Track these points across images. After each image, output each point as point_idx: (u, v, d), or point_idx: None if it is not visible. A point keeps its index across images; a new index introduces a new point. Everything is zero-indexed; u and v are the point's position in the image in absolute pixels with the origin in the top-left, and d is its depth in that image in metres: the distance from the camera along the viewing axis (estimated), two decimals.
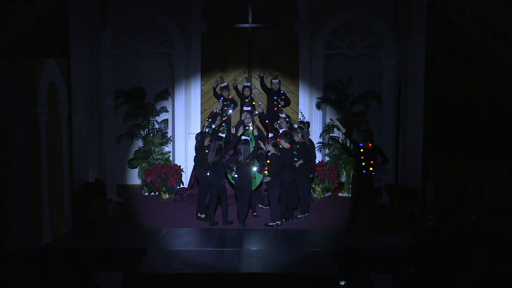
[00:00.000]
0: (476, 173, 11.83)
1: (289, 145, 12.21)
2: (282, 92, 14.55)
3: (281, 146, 12.21)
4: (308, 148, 12.64)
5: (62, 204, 11.78)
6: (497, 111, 11.99)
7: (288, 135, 12.27)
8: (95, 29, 13.92)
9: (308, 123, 13.47)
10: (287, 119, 13.25)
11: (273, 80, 14.49)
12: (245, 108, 13.58)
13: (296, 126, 12.79)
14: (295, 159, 12.33)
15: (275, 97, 14.40)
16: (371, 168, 11.63)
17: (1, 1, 12.54)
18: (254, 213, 12.85)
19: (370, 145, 11.69)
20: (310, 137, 13.30)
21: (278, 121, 13.12)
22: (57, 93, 11.55)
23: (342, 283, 6.52)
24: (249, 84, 14.61)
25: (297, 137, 12.45)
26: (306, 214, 12.65)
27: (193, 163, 13.41)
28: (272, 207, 12.15)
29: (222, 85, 14.32)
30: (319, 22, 14.66)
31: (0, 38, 13.41)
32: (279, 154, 12.04)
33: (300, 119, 14.22)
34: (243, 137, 12.26)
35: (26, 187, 10.82)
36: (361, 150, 11.62)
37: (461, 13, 11.75)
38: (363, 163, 11.62)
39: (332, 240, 11.42)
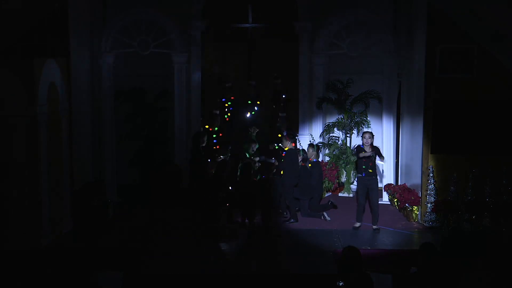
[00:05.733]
0: (476, 173, 11.84)
1: (293, 144, 12.34)
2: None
3: (286, 148, 12.35)
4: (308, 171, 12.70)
5: (62, 204, 11.77)
6: (497, 111, 11.98)
7: (292, 136, 12.43)
8: (95, 29, 13.91)
9: (318, 145, 13.53)
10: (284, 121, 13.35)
11: (275, 81, 14.60)
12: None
13: (300, 148, 12.96)
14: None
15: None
16: (370, 171, 11.70)
17: (1, 1, 12.52)
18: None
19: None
20: (319, 159, 13.47)
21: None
22: (57, 93, 11.54)
23: (340, 283, 6.50)
24: (254, 83, 14.67)
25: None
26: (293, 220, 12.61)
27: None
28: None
29: (226, 85, 14.34)
30: (319, 22, 14.66)
31: (0, 38, 13.39)
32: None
33: (310, 141, 14.25)
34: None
35: (26, 187, 10.82)
36: (364, 152, 11.67)
37: (461, 13, 11.72)
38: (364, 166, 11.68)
39: (332, 240, 11.42)
